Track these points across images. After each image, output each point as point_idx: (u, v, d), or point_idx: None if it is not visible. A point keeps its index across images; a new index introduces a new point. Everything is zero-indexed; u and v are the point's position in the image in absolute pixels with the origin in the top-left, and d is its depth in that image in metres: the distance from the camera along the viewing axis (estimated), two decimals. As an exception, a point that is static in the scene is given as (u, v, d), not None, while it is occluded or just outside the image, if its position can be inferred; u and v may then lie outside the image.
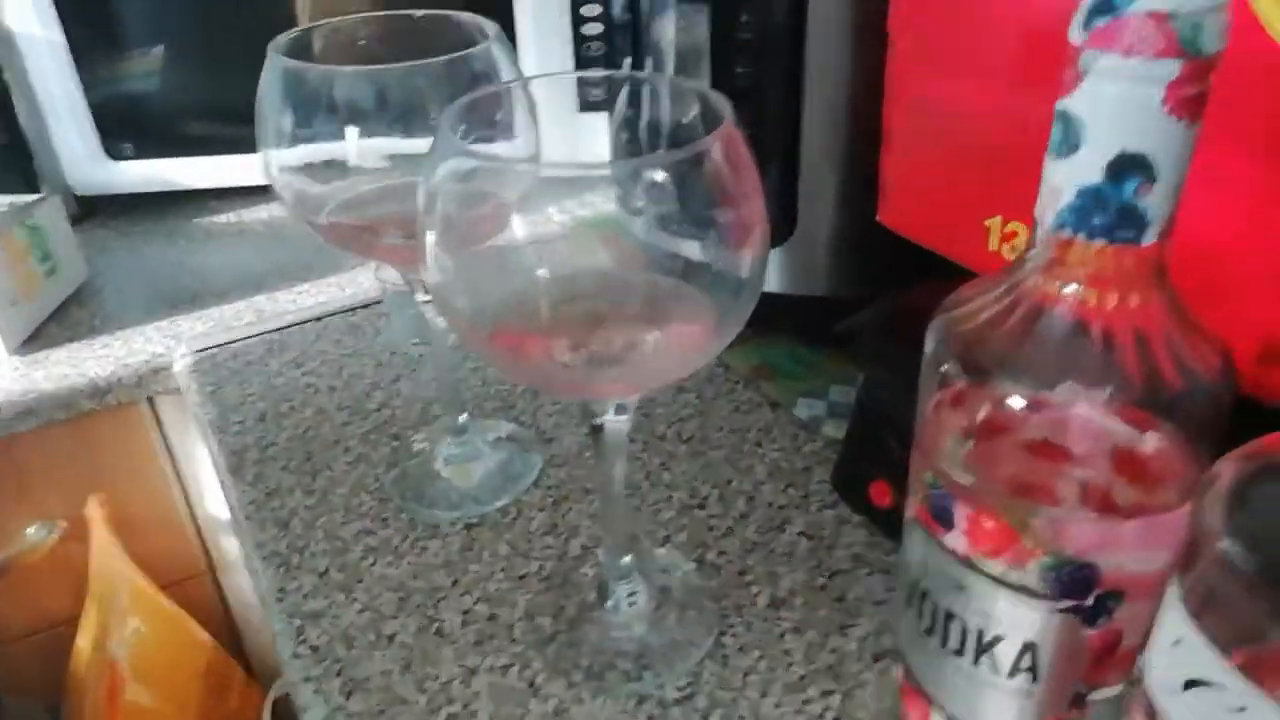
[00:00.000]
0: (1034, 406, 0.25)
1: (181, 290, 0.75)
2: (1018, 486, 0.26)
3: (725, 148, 0.30)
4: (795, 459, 0.54)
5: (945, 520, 0.27)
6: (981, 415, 0.26)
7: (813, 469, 0.54)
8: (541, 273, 0.35)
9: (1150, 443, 0.24)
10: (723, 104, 0.31)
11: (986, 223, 0.42)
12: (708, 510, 0.51)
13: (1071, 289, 0.24)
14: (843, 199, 0.55)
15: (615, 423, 0.38)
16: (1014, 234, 0.41)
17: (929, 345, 0.28)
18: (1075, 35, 0.22)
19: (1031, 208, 0.41)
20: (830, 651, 0.43)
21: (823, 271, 0.58)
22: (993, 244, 0.42)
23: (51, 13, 0.77)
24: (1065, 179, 0.23)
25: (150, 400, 0.71)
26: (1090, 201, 0.23)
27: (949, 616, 0.28)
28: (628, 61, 0.57)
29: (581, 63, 0.80)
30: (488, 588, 0.47)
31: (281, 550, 0.50)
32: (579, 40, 0.79)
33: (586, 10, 0.77)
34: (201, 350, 0.67)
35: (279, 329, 0.69)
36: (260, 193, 0.88)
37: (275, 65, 0.41)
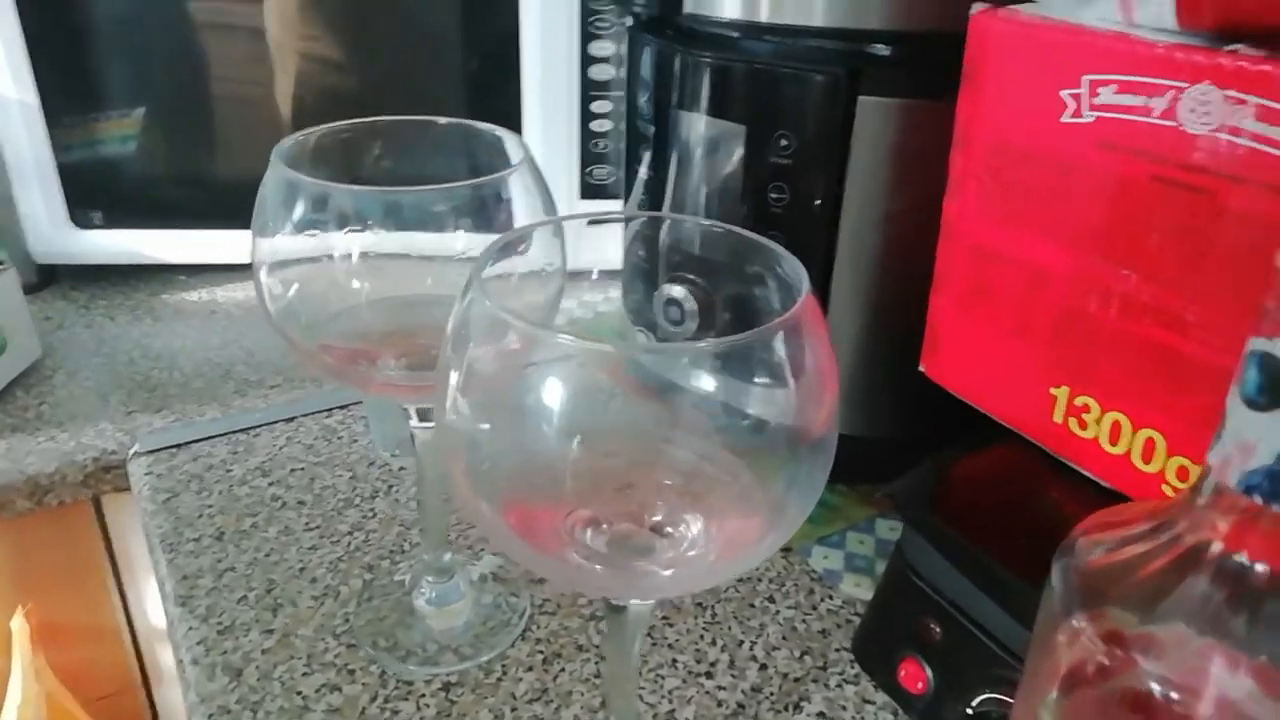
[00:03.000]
0: (1175, 689, 0.21)
1: (142, 377, 0.69)
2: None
3: (807, 319, 0.26)
4: (811, 620, 0.49)
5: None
6: (1111, 691, 0.21)
7: (830, 633, 0.49)
8: (574, 443, 0.31)
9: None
10: (797, 271, 0.27)
11: (1053, 391, 0.38)
12: (716, 680, 0.46)
13: (1260, 568, 0.19)
14: (872, 337, 0.51)
15: (637, 607, 0.33)
16: (1084, 408, 0.37)
17: (1055, 580, 0.23)
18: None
19: (1101, 383, 0.38)
20: None
21: (845, 409, 0.54)
22: (1057, 416, 0.38)
23: (26, 69, 0.72)
24: (1266, 436, 0.19)
25: (96, 500, 0.64)
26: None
27: None
28: (644, 165, 0.54)
29: (587, 158, 0.77)
30: (466, 768, 0.41)
31: (231, 707, 0.43)
32: (586, 136, 0.76)
33: (597, 107, 0.74)
34: (159, 449, 0.61)
35: (247, 429, 0.63)
36: (238, 271, 0.83)
37: (278, 174, 0.36)
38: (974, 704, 0.39)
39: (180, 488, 0.57)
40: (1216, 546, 0.20)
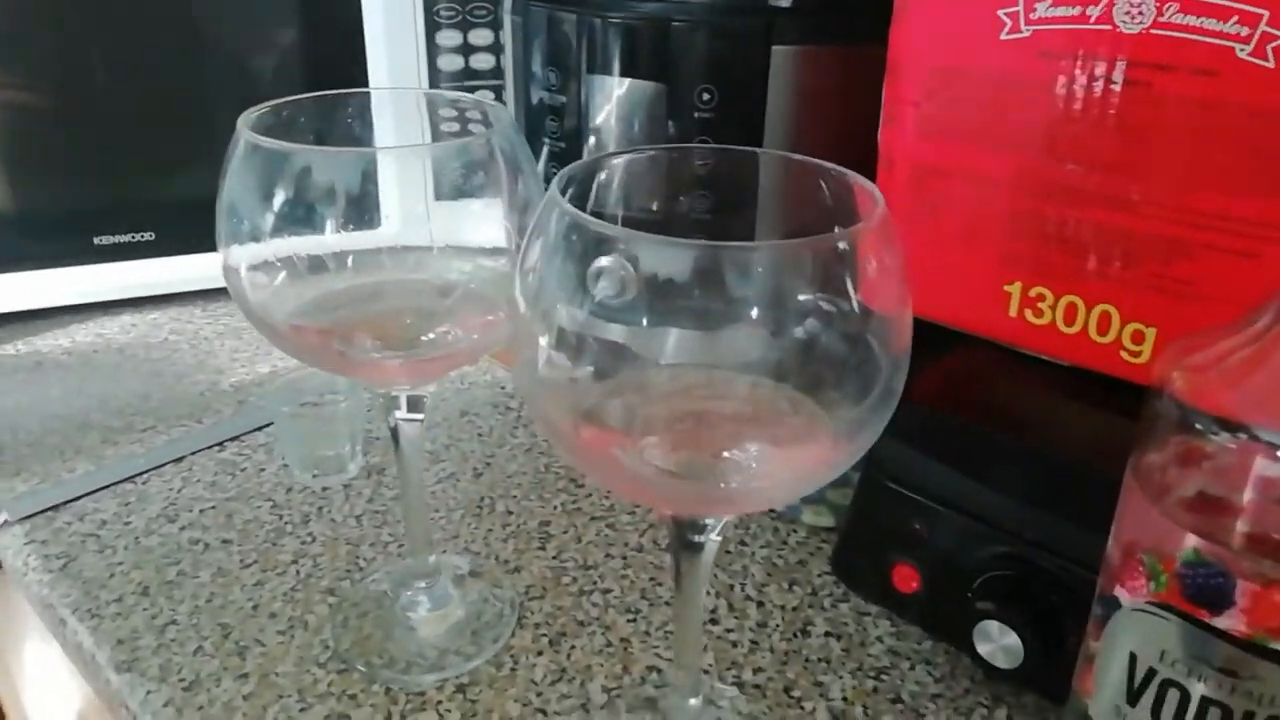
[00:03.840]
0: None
1: (-24, 443, 0.60)
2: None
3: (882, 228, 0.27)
4: (786, 553, 0.51)
5: (1215, 601, 0.25)
6: (1258, 477, 0.24)
7: (807, 562, 0.51)
8: (653, 369, 0.31)
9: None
10: (867, 186, 0.28)
11: (1006, 289, 0.42)
12: (722, 625, 0.46)
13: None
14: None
15: (713, 542, 0.33)
16: (1039, 298, 0.41)
17: (1158, 404, 0.26)
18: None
19: (1054, 271, 0.41)
20: (914, 760, 0.40)
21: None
22: (1012, 310, 0.42)
23: None
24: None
25: (-47, 588, 0.56)
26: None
27: (1207, 704, 0.26)
28: (550, 138, 0.53)
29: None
30: (514, 759, 0.39)
31: (231, 760, 0.39)
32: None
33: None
34: (33, 514, 0.53)
35: (131, 477, 0.56)
36: (54, 315, 0.74)
37: (246, 142, 0.33)
38: (975, 586, 0.42)
39: (76, 550, 0.51)
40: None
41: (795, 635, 0.46)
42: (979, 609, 0.41)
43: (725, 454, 0.32)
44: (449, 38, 0.71)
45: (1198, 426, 0.25)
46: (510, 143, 0.36)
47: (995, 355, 0.45)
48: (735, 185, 0.33)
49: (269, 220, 0.36)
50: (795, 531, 0.53)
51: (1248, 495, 0.25)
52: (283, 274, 0.37)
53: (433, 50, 0.71)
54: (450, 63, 0.71)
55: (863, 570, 0.48)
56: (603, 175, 0.31)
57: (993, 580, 0.42)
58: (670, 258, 0.26)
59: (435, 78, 0.71)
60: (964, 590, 0.43)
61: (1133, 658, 0.28)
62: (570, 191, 0.29)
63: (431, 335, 0.39)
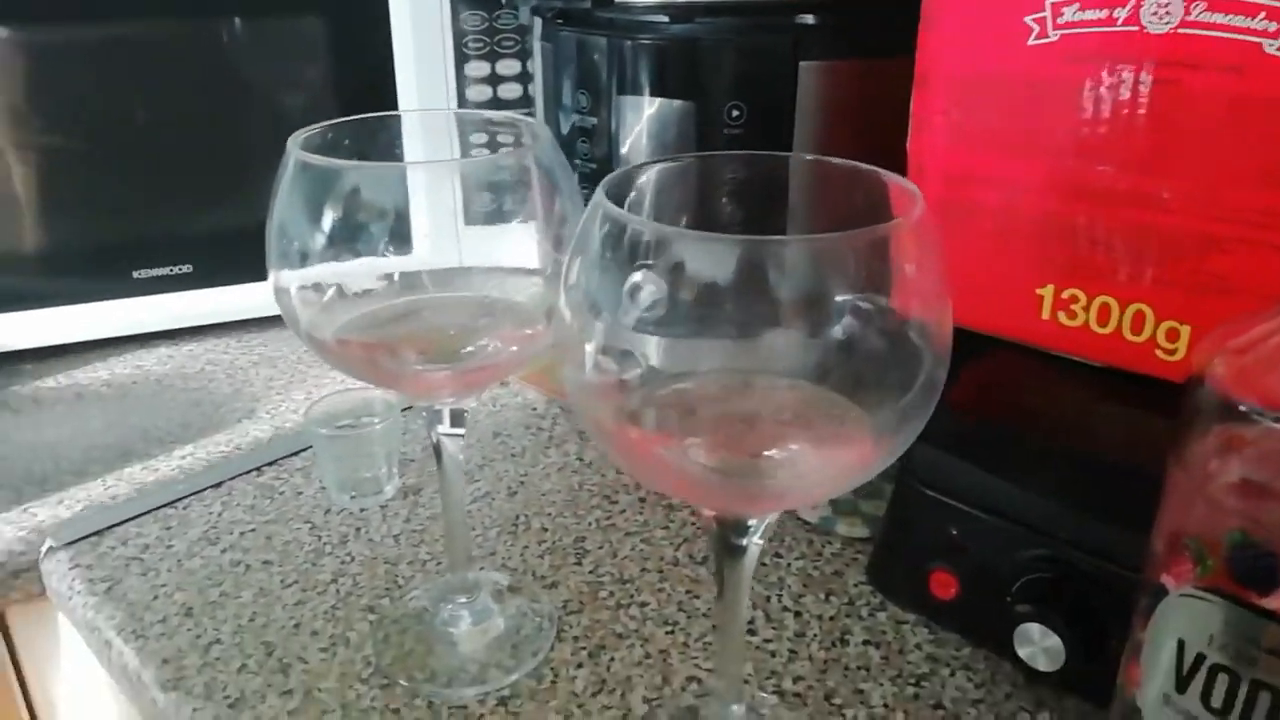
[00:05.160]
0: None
1: (24, 472, 0.61)
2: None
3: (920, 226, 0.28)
4: (822, 564, 0.51)
5: (1264, 581, 0.25)
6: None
7: (843, 572, 0.51)
8: (695, 375, 0.31)
9: None
10: (904, 183, 0.29)
11: (1039, 292, 0.42)
12: (760, 635, 0.46)
13: None
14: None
15: (755, 545, 0.33)
16: (1072, 300, 0.41)
17: (1199, 393, 0.26)
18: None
19: (1087, 273, 0.42)
20: (961, 766, 0.39)
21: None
22: (1045, 313, 0.42)
23: None
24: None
25: (-1, 614, 0.56)
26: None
27: (1258, 687, 0.26)
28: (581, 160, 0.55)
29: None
30: (559, 769, 0.39)
31: (277, 773, 0.39)
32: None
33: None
34: (77, 540, 0.54)
35: (171, 503, 0.57)
36: (93, 349, 0.75)
37: (296, 161, 0.34)
38: (1014, 590, 0.42)
39: (120, 573, 0.51)
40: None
41: (834, 644, 0.46)
42: (1018, 612, 0.41)
43: (767, 453, 0.32)
44: (477, 69, 0.72)
45: (1241, 409, 0.25)
46: (549, 158, 0.37)
47: (1028, 360, 0.45)
48: (767, 191, 0.34)
49: (318, 240, 0.37)
50: (830, 543, 0.53)
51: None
52: (330, 292, 0.38)
53: (461, 82, 0.72)
54: (479, 93, 0.73)
55: (900, 578, 0.48)
56: (641, 179, 0.32)
57: (1031, 583, 0.42)
58: (712, 254, 0.27)
59: (464, 107, 0.73)
60: (1003, 594, 0.42)
61: (1180, 644, 0.28)
62: (610, 197, 0.30)
63: (472, 348, 0.40)
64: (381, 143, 0.41)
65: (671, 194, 0.33)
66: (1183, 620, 0.28)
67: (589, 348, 0.30)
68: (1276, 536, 0.25)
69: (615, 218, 0.28)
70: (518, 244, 0.41)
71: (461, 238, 0.40)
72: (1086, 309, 0.41)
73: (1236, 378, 0.26)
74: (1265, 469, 0.26)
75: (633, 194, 0.32)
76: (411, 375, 0.38)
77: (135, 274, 0.73)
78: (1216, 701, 0.27)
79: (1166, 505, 0.29)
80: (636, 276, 0.28)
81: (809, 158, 0.33)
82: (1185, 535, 0.27)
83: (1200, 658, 0.27)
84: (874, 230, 0.26)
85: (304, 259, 0.37)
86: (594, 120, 0.52)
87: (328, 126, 0.39)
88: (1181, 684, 0.28)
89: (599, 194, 0.28)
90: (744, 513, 0.32)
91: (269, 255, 0.37)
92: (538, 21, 0.56)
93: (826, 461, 0.31)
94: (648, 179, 0.32)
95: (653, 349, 0.30)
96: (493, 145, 0.44)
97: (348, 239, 0.37)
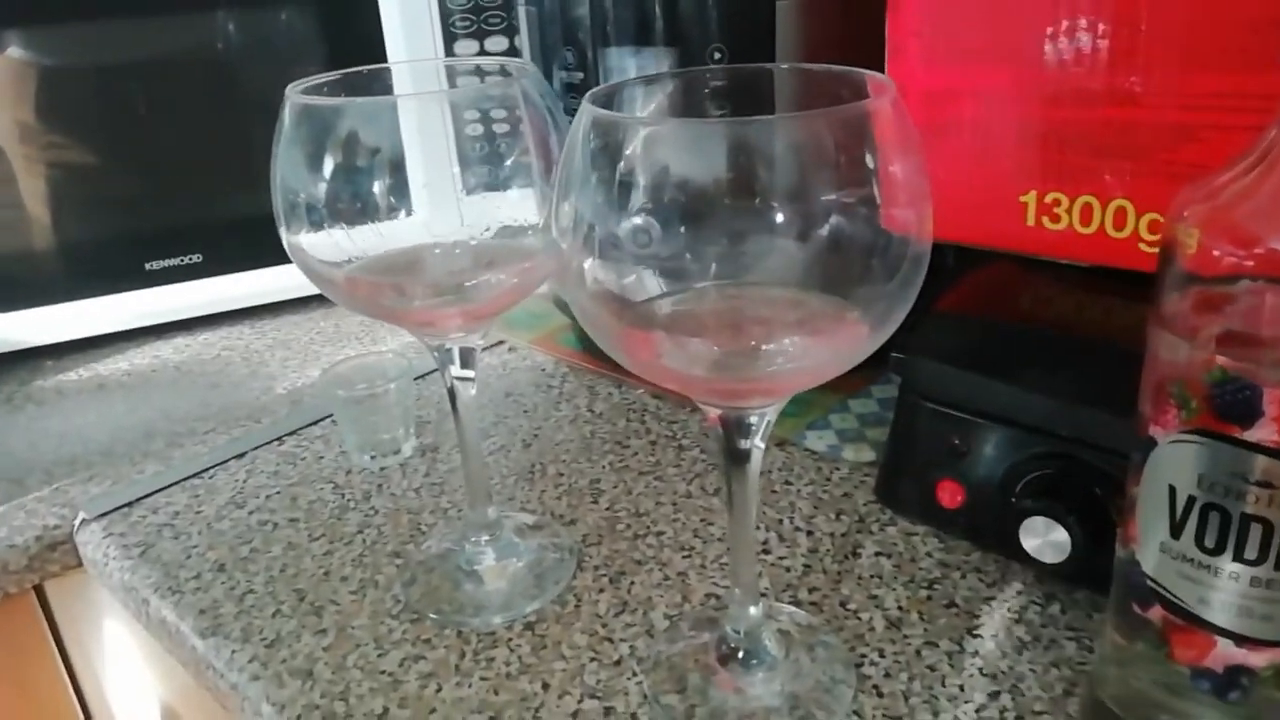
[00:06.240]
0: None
1: (53, 456, 0.63)
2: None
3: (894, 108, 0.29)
4: (831, 488, 0.53)
5: (1245, 414, 0.26)
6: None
7: (852, 494, 0.52)
8: (690, 287, 0.32)
9: None
10: (879, 77, 0.30)
11: (1022, 199, 0.43)
12: (774, 554, 0.48)
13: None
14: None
15: (758, 449, 0.35)
16: (1054, 204, 0.43)
17: (1177, 245, 0.28)
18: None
19: (1067, 174, 0.43)
20: (973, 655, 0.41)
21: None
22: (1029, 219, 0.44)
23: None
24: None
25: (39, 589, 0.58)
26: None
27: (1248, 521, 0.27)
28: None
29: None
30: (586, 682, 0.41)
31: (317, 702, 0.41)
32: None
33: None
34: (109, 511, 0.56)
35: (198, 473, 0.59)
36: (111, 342, 0.77)
37: (293, 105, 0.36)
38: (1018, 489, 0.44)
39: (153, 538, 0.53)
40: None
41: (846, 558, 0.47)
42: (1023, 507, 0.42)
43: (765, 347, 0.33)
44: (466, 48, 0.74)
45: (1219, 253, 0.27)
46: (537, 87, 0.39)
47: (1016, 269, 0.47)
48: (753, 101, 0.35)
49: (321, 188, 0.39)
50: (838, 469, 0.54)
51: (1266, 312, 0.26)
52: (338, 231, 0.39)
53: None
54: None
55: (907, 492, 0.49)
56: (626, 93, 0.33)
57: (1035, 480, 0.43)
58: (698, 141, 0.28)
59: (454, 86, 0.75)
60: (1008, 496, 0.44)
61: (1172, 490, 0.29)
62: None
63: (474, 281, 0.41)
64: (376, 93, 0.42)
65: (656, 109, 0.35)
66: (1172, 466, 0.29)
67: (587, 264, 0.31)
68: (1254, 368, 0.26)
69: (601, 120, 0.29)
70: (515, 191, 0.43)
71: (457, 182, 0.42)
72: (1069, 211, 0.42)
73: (1207, 221, 0.27)
74: (1238, 314, 0.28)
75: (618, 107, 0.34)
76: (419, 311, 0.39)
77: (148, 265, 0.75)
78: (1210, 541, 0.29)
79: (1149, 363, 0.30)
80: (626, 183, 0.30)
81: (789, 66, 0.34)
82: (1169, 382, 0.28)
83: (1191, 500, 0.29)
84: (856, 107, 0.28)
85: (310, 207, 0.39)
86: (580, 75, 0.54)
87: (322, 81, 0.40)
88: (1176, 529, 0.30)
89: (585, 103, 0.30)
90: (745, 404, 0.33)
91: (275, 211, 0.39)
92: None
93: (820, 345, 0.32)
94: (633, 93, 0.34)
95: (647, 258, 0.32)
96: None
97: (347, 182, 0.38)
